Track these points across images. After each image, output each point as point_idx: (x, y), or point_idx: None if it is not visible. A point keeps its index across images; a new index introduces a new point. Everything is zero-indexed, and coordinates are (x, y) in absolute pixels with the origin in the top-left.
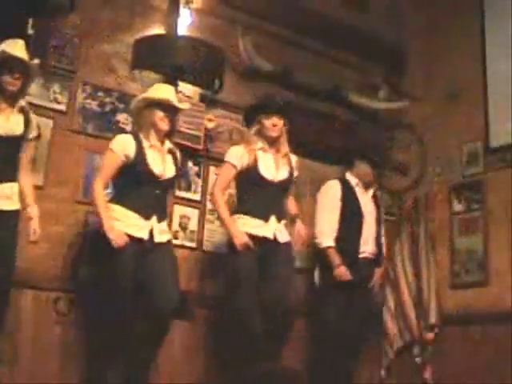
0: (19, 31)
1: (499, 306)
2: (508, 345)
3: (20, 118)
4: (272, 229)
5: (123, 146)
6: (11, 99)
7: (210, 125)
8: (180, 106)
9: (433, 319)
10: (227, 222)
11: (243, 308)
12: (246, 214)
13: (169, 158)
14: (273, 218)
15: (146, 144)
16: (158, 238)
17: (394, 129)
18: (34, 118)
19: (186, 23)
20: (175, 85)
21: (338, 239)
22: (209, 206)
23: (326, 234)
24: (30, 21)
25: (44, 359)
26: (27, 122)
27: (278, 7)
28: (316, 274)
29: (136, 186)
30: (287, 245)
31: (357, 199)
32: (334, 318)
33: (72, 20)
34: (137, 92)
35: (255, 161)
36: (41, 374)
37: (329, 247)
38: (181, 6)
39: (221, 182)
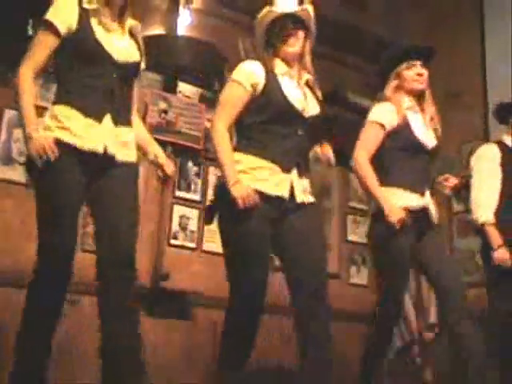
0: (19, 31)
1: None
2: None
3: (132, 41)
4: (428, 203)
5: (249, 74)
6: (120, 15)
7: (210, 125)
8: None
9: (433, 319)
10: (379, 195)
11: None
12: (393, 185)
13: (307, 91)
14: (427, 192)
15: (278, 71)
16: (300, 198)
17: None
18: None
19: (185, 23)
20: (175, 85)
21: (497, 214)
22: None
23: (484, 207)
24: (30, 21)
25: None
26: (139, 47)
27: None
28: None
29: (268, 126)
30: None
31: None
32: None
33: None
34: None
35: (406, 122)
36: None
37: (487, 223)
38: (181, 6)
39: (365, 145)
